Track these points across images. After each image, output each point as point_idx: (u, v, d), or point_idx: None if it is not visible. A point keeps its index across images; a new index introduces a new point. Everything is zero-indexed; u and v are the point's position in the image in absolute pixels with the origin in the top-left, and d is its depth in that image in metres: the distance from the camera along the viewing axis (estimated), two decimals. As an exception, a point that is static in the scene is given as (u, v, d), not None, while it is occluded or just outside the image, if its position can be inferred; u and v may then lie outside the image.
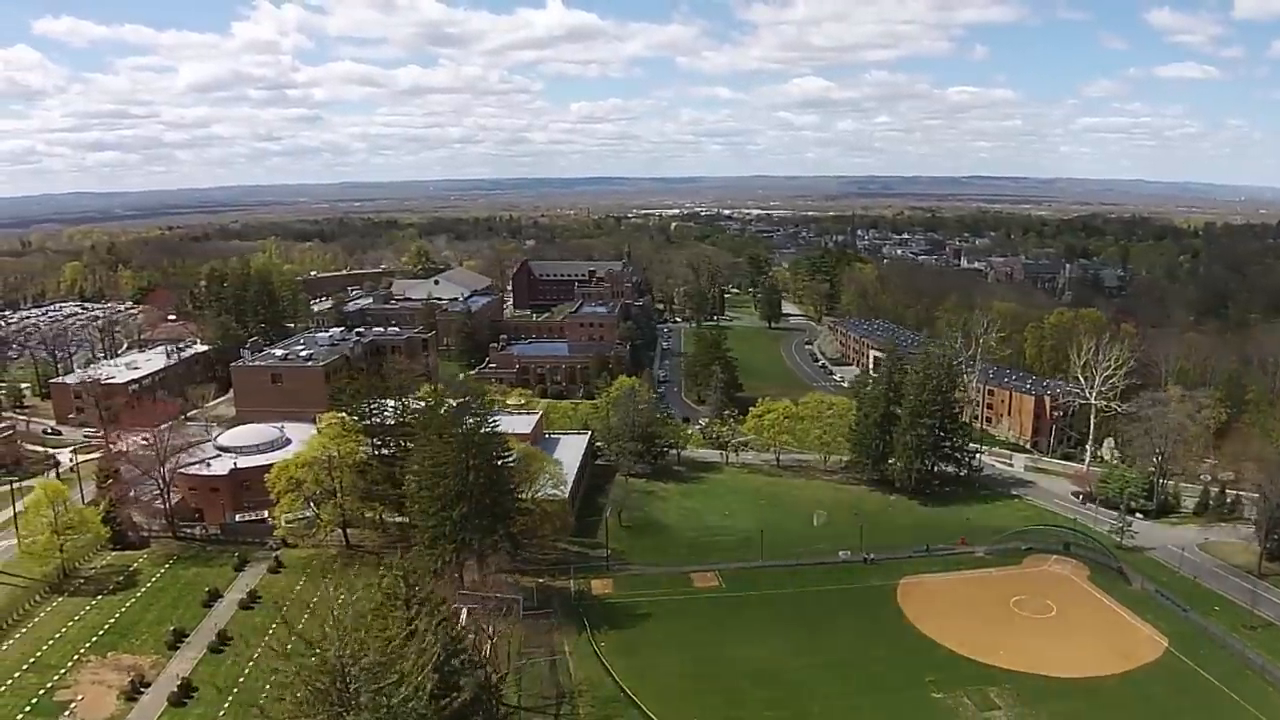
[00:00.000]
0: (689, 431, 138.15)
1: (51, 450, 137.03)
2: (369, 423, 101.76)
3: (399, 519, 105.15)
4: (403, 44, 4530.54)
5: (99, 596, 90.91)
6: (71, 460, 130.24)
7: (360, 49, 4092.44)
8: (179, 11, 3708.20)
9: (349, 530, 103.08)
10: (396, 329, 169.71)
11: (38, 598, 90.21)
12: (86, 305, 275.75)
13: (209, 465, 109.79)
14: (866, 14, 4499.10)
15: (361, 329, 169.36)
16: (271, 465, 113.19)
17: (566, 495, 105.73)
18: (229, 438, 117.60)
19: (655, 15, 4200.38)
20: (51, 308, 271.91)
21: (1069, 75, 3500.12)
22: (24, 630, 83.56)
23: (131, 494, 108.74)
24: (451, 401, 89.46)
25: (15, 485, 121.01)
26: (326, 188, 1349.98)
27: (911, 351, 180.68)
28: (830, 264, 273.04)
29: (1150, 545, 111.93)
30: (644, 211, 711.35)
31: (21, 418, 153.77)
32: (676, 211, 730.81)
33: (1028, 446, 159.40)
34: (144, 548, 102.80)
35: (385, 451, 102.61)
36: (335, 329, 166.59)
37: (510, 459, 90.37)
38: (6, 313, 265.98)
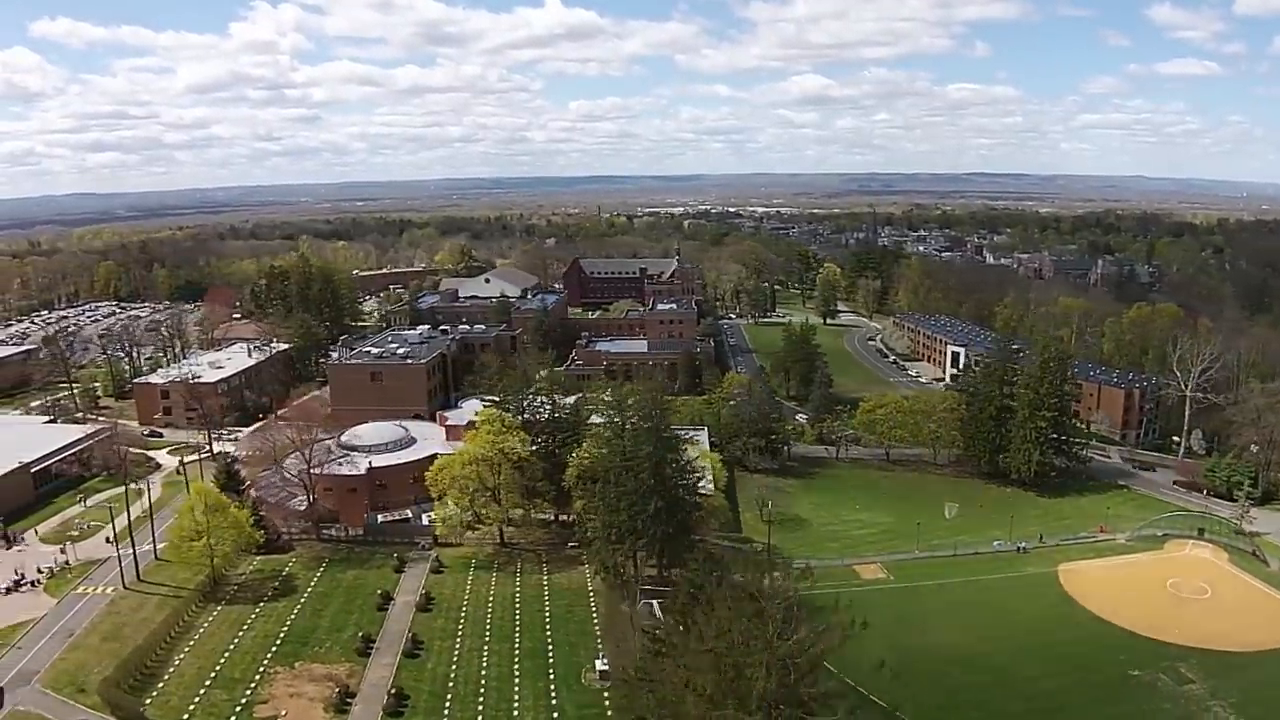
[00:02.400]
0: (802, 427, 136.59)
1: (150, 452, 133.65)
2: (525, 418, 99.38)
3: (551, 516, 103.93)
4: (401, 44, 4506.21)
5: (260, 604, 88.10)
6: (180, 462, 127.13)
7: (359, 49, 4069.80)
8: (176, 12, 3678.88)
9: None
10: (482, 327, 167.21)
11: (194, 607, 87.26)
12: (123, 305, 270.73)
13: (343, 465, 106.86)
14: (866, 11, 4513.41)
15: (446, 327, 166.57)
16: (404, 464, 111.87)
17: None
18: (354, 437, 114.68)
19: (654, 13, 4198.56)
20: (87, 308, 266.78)
21: (1070, 72, 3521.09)
22: (191, 642, 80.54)
23: (254, 494, 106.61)
24: (643, 398, 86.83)
25: (137, 482, 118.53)
26: (327, 187, 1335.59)
27: (988, 347, 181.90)
28: (876, 261, 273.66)
29: (1265, 530, 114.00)
30: (650, 210, 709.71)
31: (104, 420, 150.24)
32: (681, 210, 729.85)
33: (1117, 439, 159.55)
34: (288, 551, 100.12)
35: (534, 446, 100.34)
36: (421, 327, 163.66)
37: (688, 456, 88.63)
38: (44, 313, 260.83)
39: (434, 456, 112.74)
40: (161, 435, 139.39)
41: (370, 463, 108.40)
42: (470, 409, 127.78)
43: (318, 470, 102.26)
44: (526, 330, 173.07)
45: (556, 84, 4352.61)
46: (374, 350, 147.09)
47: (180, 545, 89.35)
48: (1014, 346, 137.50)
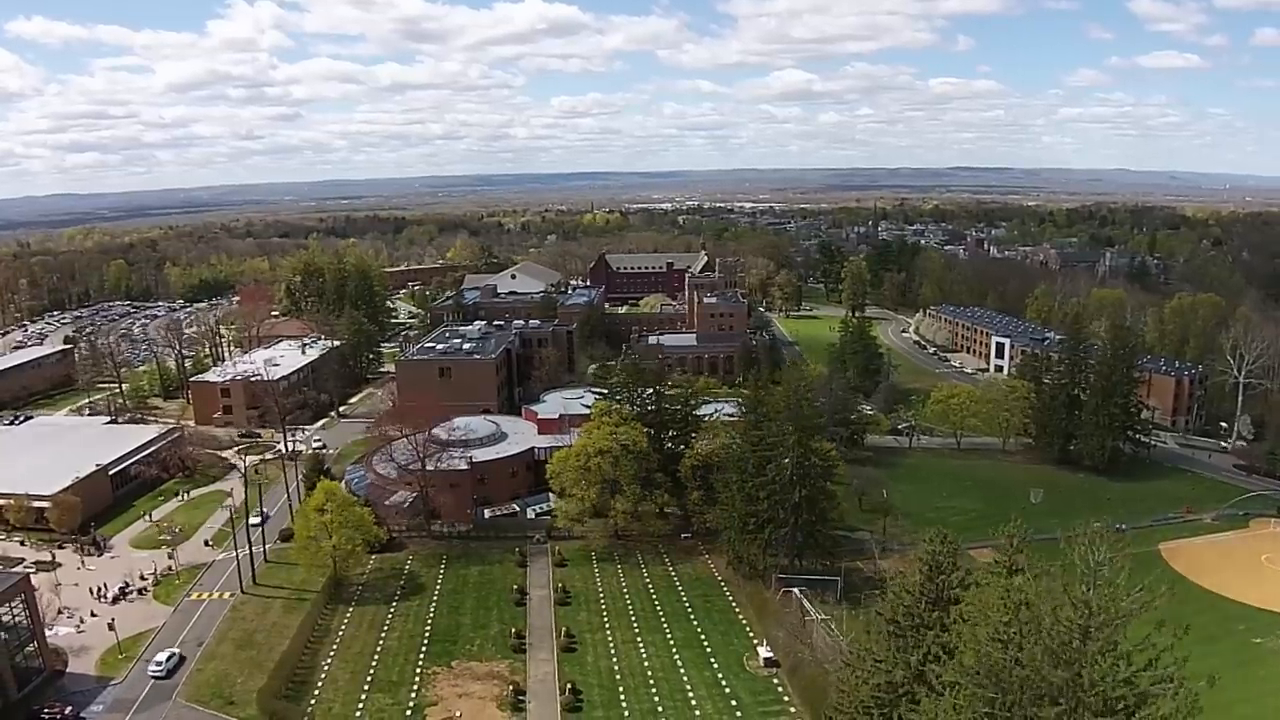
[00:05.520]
0: (877, 418, 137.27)
1: (221, 453, 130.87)
2: (639, 410, 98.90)
3: (657, 507, 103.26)
4: (381, 41, 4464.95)
5: (393, 603, 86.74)
6: (261, 460, 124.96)
7: (338, 46, 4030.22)
8: (153, 11, 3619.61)
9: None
10: (537, 322, 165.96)
11: (325, 610, 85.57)
12: (136, 305, 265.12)
13: (443, 460, 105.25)
14: (847, 5, 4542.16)
15: (500, 322, 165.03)
16: (504, 459, 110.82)
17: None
18: (452, 431, 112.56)
19: (635, 8, 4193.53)
20: (102, 307, 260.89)
21: (1052, 65, 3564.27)
22: (334, 646, 78.91)
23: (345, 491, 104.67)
24: (786, 387, 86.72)
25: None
26: (310, 186, 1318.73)
27: (1034, 338, 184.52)
28: (896, 254, 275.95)
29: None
30: (638, 206, 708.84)
31: (156, 420, 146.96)
32: (669, 206, 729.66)
33: (1167, 425, 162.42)
34: (402, 549, 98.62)
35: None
36: (478, 322, 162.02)
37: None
38: (57, 313, 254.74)
39: (530, 450, 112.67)
40: (259, 435, 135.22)
41: (472, 457, 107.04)
42: (554, 403, 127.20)
43: (420, 467, 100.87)
44: (575, 325, 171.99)
45: (538, 80, 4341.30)
46: (439, 347, 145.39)
47: (307, 545, 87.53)
48: (1083, 339, 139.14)
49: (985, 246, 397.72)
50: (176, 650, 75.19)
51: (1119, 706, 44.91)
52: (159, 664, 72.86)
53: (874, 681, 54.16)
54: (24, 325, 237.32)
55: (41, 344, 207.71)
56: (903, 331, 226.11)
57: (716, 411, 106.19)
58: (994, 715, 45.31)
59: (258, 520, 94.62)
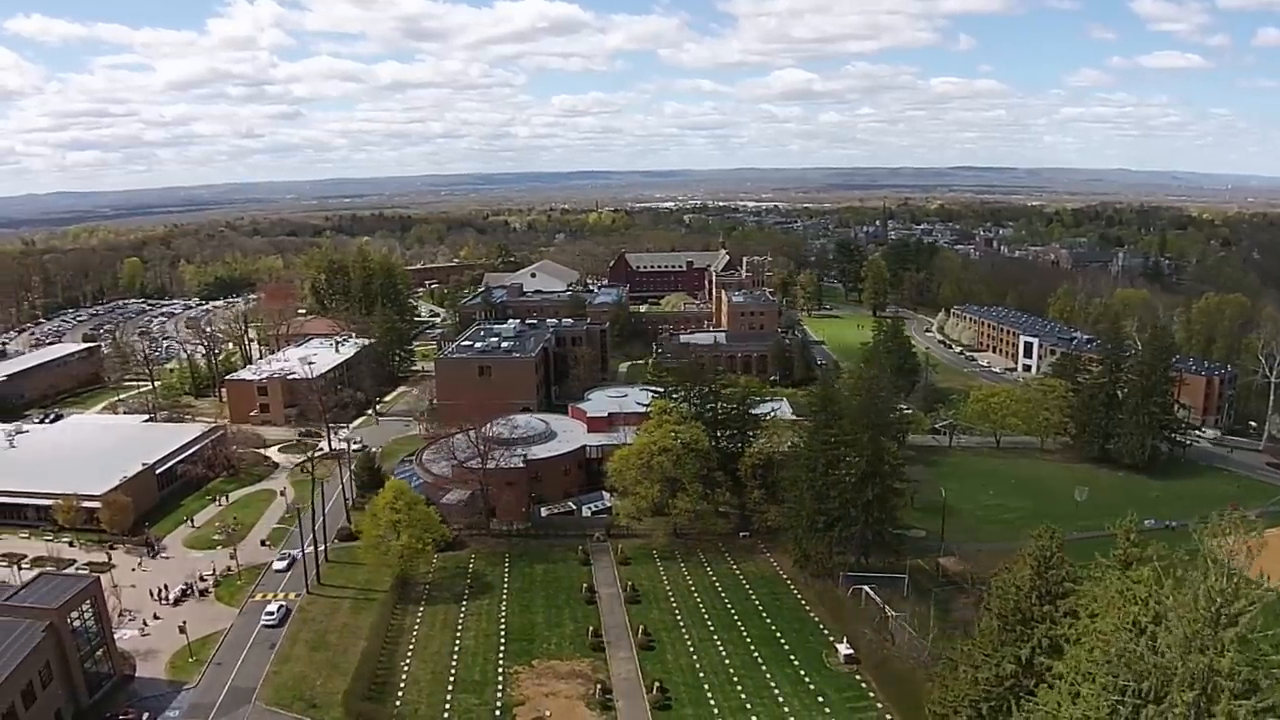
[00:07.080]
0: (919, 417, 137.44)
1: (264, 451, 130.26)
2: (696, 409, 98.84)
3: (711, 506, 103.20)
4: (382, 39, 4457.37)
5: (463, 602, 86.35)
6: (309, 458, 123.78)
7: (339, 44, 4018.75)
8: (153, 9, 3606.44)
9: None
10: (570, 321, 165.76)
11: (396, 610, 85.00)
12: (151, 302, 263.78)
13: (502, 458, 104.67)
14: (848, 5, 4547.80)
15: (533, 320, 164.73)
16: (558, 457, 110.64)
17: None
18: (505, 429, 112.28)
19: (636, 7, 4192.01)
20: (117, 304, 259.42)
21: (1054, 65, 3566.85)
22: (411, 646, 78.31)
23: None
24: (860, 383, 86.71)
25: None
26: (311, 184, 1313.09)
27: (1062, 337, 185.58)
28: (913, 254, 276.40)
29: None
30: (641, 205, 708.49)
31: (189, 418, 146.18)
32: (672, 205, 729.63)
33: (1198, 424, 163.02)
34: (462, 548, 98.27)
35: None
36: (512, 321, 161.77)
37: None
38: (72, 311, 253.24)
39: (582, 449, 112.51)
40: (318, 434, 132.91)
41: (526, 455, 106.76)
42: (600, 401, 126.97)
43: (480, 464, 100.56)
44: (607, 324, 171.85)
45: (539, 79, 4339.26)
46: (476, 345, 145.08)
47: (376, 544, 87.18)
48: (1121, 339, 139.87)
49: (996, 246, 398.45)
50: (284, 602, 79.79)
51: (1247, 690, 45.49)
52: (271, 614, 79.24)
53: (983, 676, 54.35)
54: (39, 323, 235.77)
55: (60, 341, 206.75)
56: (926, 331, 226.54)
57: (774, 410, 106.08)
58: (1124, 702, 45.84)
59: (284, 565, 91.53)
